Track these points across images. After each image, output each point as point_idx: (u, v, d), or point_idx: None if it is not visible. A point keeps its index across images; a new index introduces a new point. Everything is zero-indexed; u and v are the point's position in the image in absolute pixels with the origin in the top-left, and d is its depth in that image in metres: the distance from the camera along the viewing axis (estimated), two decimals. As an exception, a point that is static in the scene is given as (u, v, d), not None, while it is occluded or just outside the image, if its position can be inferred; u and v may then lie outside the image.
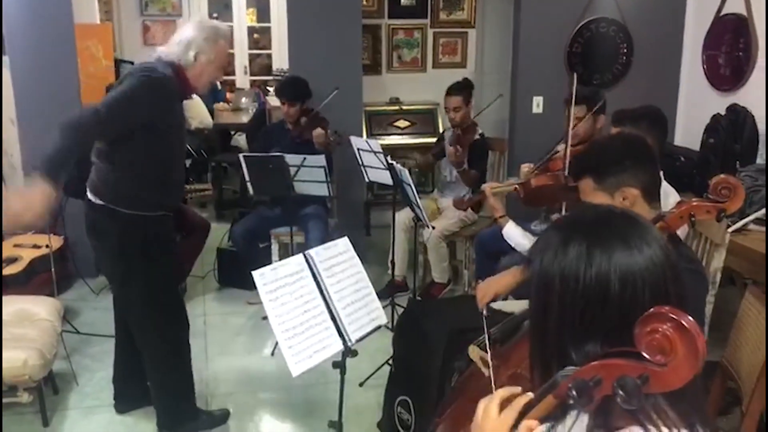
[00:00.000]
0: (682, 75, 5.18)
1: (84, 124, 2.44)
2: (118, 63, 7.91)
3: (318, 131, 3.94)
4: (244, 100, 7.22)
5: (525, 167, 3.28)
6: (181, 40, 2.69)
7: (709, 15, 4.76)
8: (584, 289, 1.01)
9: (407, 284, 4.45)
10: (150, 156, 2.68)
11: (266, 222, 4.33)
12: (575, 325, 1.03)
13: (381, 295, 4.26)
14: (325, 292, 2.11)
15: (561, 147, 3.17)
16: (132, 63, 8.01)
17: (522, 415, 1.04)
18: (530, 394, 1.05)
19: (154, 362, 2.94)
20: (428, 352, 2.67)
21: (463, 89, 4.30)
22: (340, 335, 2.10)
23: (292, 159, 3.65)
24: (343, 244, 2.28)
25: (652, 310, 0.90)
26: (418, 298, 4.22)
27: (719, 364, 2.35)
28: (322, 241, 4.11)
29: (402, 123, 5.90)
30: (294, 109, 4.25)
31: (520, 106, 5.14)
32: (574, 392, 0.93)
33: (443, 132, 4.47)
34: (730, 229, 2.87)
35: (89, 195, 2.75)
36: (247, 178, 3.83)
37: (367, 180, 3.97)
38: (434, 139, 5.04)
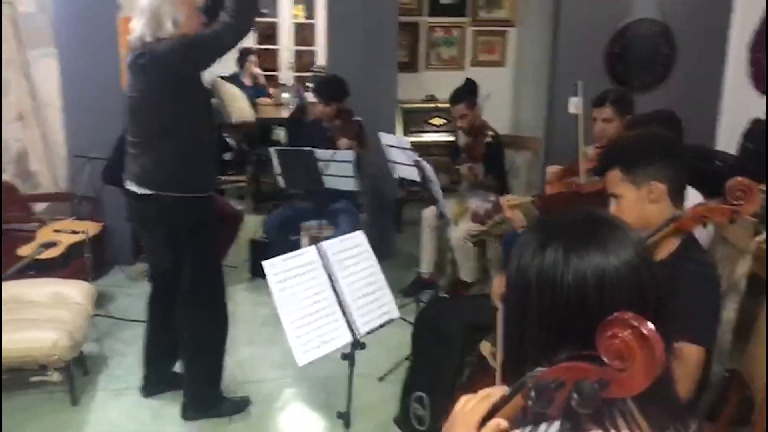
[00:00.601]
0: (726, 77, 5.05)
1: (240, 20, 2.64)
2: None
3: (343, 142, 4.00)
4: (285, 95, 7.30)
5: (551, 169, 3.25)
6: (149, 19, 2.64)
7: (756, 16, 4.64)
8: (562, 292, 1.01)
9: (435, 281, 4.45)
10: (193, 137, 2.77)
11: (298, 214, 4.39)
12: (552, 328, 1.03)
13: (407, 292, 4.35)
14: (336, 284, 2.14)
15: (588, 149, 3.15)
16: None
17: (496, 412, 1.05)
18: (505, 388, 1.06)
19: (190, 344, 3.02)
20: (445, 348, 2.69)
21: (464, 96, 4.24)
22: (349, 328, 2.13)
23: (321, 153, 3.70)
24: (358, 237, 2.30)
25: (614, 315, 0.90)
26: (445, 295, 4.23)
27: (737, 373, 2.30)
28: (352, 236, 4.18)
29: (438, 120, 5.90)
30: (330, 109, 4.30)
31: (557, 107, 5.08)
32: (533, 393, 0.93)
33: (457, 135, 4.46)
34: (758, 237, 2.79)
35: (132, 187, 2.83)
36: (278, 171, 3.89)
37: (396, 176, 3.99)
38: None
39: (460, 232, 4.19)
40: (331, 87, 4.32)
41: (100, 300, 4.22)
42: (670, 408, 1.04)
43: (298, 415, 3.23)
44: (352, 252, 2.24)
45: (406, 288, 4.45)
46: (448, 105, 5.91)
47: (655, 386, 1.00)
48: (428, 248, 4.39)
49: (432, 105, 6.01)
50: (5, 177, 4.78)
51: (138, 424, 3.05)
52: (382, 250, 5.08)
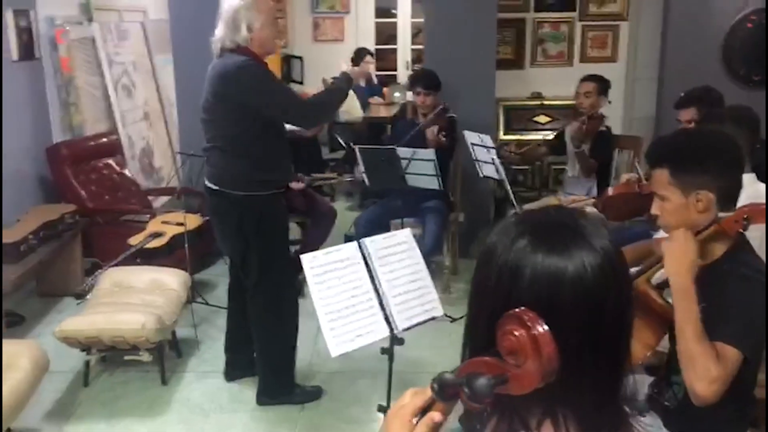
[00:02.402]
0: None
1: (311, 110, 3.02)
2: (288, 59, 8.46)
3: (431, 129, 4.03)
4: (397, 94, 7.41)
5: (626, 177, 3.11)
6: (228, 23, 2.83)
7: None
8: (517, 288, 0.99)
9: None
10: (259, 140, 2.93)
11: (388, 212, 4.44)
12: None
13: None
14: (376, 280, 2.18)
15: None
16: (301, 58, 8.55)
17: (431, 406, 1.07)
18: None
19: (260, 333, 3.18)
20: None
21: (598, 79, 4.23)
22: (387, 323, 2.16)
23: (402, 152, 3.75)
24: (404, 235, 2.33)
25: (514, 311, 0.89)
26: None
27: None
28: (438, 235, 4.20)
29: (542, 118, 5.76)
30: (430, 98, 4.34)
31: (667, 104, 4.81)
32: (435, 386, 0.94)
33: (564, 128, 4.34)
34: None
35: (208, 183, 3.06)
36: (362, 169, 3.98)
37: (481, 175, 3.96)
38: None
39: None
40: (427, 77, 4.37)
41: (203, 288, 4.51)
42: (609, 416, 1.00)
43: (371, 407, 3.29)
44: (396, 249, 2.27)
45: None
46: (554, 102, 5.81)
47: (593, 392, 0.98)
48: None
49: (537, 102, 5.88)
50: (130, 171, 5.20)
51: (215, 406, 3.24)
52: (477, 248, 5.07)
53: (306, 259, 2.11)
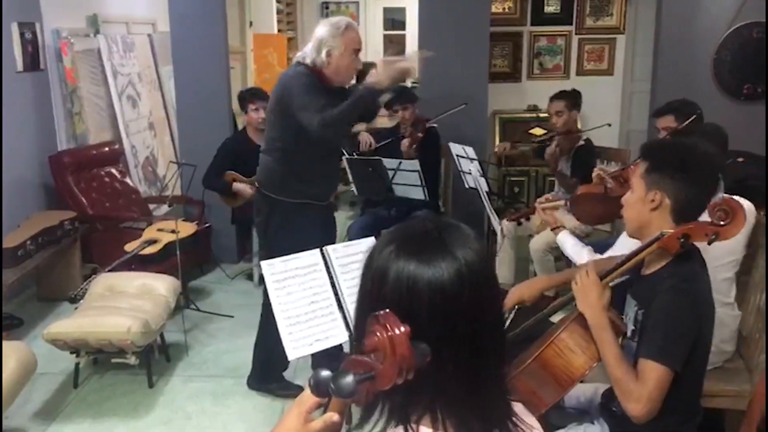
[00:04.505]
0: None
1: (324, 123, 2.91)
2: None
3: (405, 141, 4.15)
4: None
5: (596, 172, 3.14)
6: (314, 44, 3.00)
7: None
8: (384, 290, 1.07)
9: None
10: (300, 151, 3.07)
11: (380, 222, 4.51)
12: None
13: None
14: (338, 287, 2.25)
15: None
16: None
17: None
18: None
19: (261, 325, 3.36)
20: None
21: (567, 96, 4.27)
22: (347, 328, 2.23)
23: (389, 162, 3.82)
24: (367, 244, 2.39)
25: (378, 313, 0.97)
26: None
27: None
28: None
29: (538, 131, 5.81)
30: (408, 112, 4.45)
31: (658, 117, 4.86)
32: (311, 381, 1.01)
33: (545, 143, 4.39)
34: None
35: (256, 180, 3.31)
36: (350, 179, 4.06)
37: (466, 186, 4.03)
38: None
39: (541, 243, 4.14)
40: (399, 93, 4.48)
41: (197, 295, 4.62)
42: (479, 411, 1.07)
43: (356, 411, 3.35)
44: (358, 257, 2.33)
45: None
46: (550, 114, 5.85)
47: (458, 388, 1.05)
48: (506, 259, 4.36)
49: (533, 115, 5.93)
50: (131, 180, 5.33)
51: (198, 408, 3.32)
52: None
53: (265, 264, 2.19)
